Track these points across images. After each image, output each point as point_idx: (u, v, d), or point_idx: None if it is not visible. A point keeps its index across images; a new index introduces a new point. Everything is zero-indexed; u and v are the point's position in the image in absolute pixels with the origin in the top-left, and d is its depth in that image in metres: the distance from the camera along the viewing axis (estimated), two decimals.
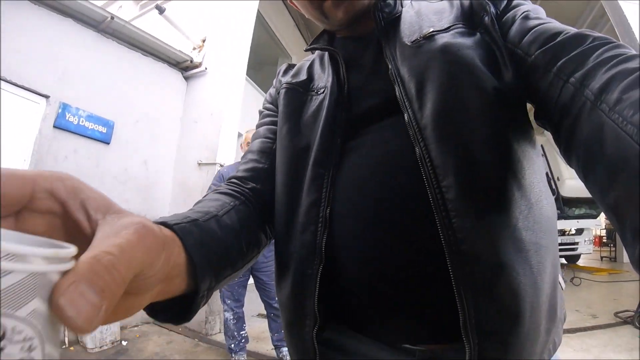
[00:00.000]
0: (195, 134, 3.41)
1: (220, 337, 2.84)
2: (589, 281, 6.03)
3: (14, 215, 0.20)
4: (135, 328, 3.09)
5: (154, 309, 0.32)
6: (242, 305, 2.52)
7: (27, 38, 2.45)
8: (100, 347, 2.58)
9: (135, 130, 3.17)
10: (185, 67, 3.60)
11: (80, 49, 2.75)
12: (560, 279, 0.50)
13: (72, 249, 0.18)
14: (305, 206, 0.45)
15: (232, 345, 2.52)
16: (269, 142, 0.57)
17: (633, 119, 0.24)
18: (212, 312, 3.08)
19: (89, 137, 2.79)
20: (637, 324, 3.09)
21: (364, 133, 0.45)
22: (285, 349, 2.41)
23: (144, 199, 3.28)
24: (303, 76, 0.56)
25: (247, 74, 3.79)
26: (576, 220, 7.19)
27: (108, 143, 2.94)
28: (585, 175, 0.30)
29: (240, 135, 3.37)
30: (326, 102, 0.48)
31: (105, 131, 2.90)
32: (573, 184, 6.44)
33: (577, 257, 8.24)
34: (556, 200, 6.24)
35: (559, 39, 0.36)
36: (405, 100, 0.41)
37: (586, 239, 7.33)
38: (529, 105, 0.45)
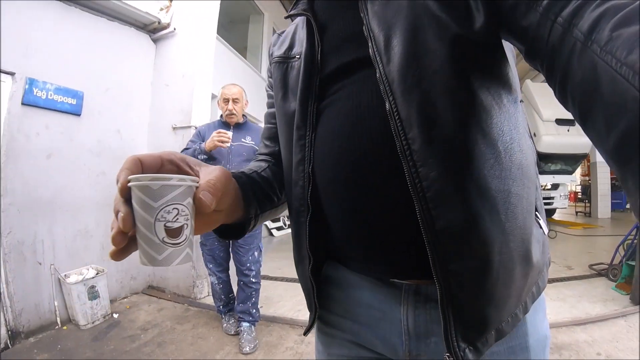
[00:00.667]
0: (167, 97, 3.27)
1: (209, 300, 2.89)
2: (565, 234, 6.33)
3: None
4: (125, 300, 3.10)
5: (221, 230, 0.52)
6: (226, 270, 2.50)
7: None
8: (93, 323, 2.58)
9: (105, 99, 3.01)
10: (153, 30, 3.38)
11: (42, 21, 2.54)
12: (544, 225, 0.51)
13: (197, 178, 0.39)
14: (294, 165, 0.52)
15: (221, 307, 2.53)
16: (273, 127, 0.65)
17: (628, 60, 0.22)
18: (200, 276, 3.10)
19: (59, 111, 2.65)
20: (611, 276, 3.27)
21: (335, 90, 0.49)
22: (245, 324, 2.33)
23: None
24: (286, 44, 0.60)
25: (218, 33, 3.62)
26: (552, 176, 7.44)
27: (79, 115, 2.80)
28: (582, 121, 0.29)
29: (214, 96, 3.28)
30: (301, 69, 0.52)
31: (75, 102, 2.74)
32: (549, 140, 6.62)
33: (553, 211, 8.63)
34: None
35: None
36: (377, 55, 0.42)
37: (561, 194, 7.65)
38: (516, 50, 0.44)
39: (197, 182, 0.38)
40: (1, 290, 2.24)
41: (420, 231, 0.39)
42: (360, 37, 0.45)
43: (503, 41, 0.42)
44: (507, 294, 0.42)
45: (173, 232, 0.35)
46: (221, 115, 2.44)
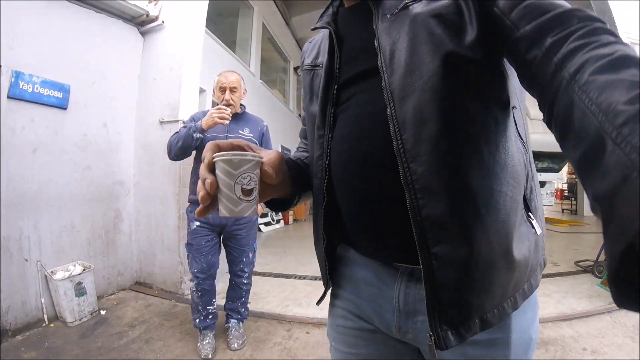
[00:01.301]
0: (155, 91, 3.21)
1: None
2: (551, 231, 6.45)
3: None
4: (112, 296, 3.06)
5: (271, 202, 0.65)
6: (211, 278, 2.16)
7: None
8: (80, 320, 2.54)
9: (92, 93, 2.94)
10: (141, 22, 3.31)
11: (28, 12, 2.47)
12: (537, 226, 0.54)
13: (262, 156, 0.53)
14: (315, 159, 0.62)
15: (197, 321, 2.16)
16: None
17: (596, 100, 0.28)
18: (187, 272, 3.05)
19: (44, 104, 2.58)
20: (597, 273, 3.35)
21: (349, 97, 0.57)
22: (233, 320, 2.28)
23: (107, 163, 3.11)
24: (314, 53, 0.69)
25: (206, 26, 3.55)
26: (539, 174, 7.54)
27: (65, 108, 2.73)
28: (560, 140, 0.35)
29: (202, 90, 3.23)
30: (323, 77, 0.61)
31: (61, 96, 2.67)
32: (537, 138, 6.73)
33: None
34: None
35: (547, 16, 0.39)
36: (383, 66, 0.50)
37: (548, 192, 7.79)
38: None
39: (262, 159, 0.51)
40: None
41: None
42: (372, 49, 0.52)
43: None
44: (489, 282, 0.48)
45: (247, 192, 0.48)
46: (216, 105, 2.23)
